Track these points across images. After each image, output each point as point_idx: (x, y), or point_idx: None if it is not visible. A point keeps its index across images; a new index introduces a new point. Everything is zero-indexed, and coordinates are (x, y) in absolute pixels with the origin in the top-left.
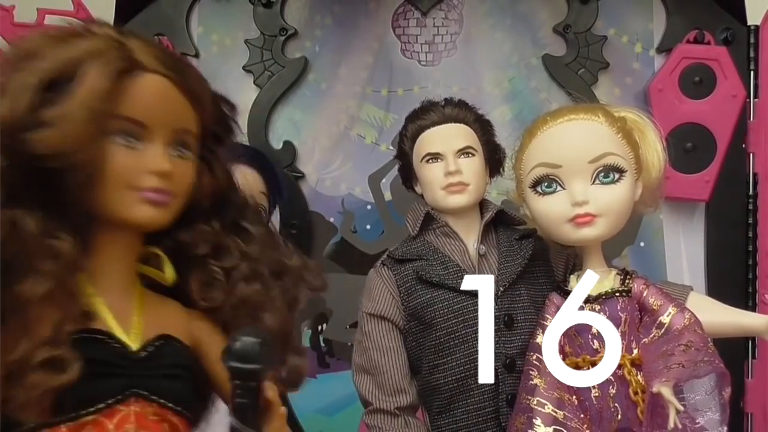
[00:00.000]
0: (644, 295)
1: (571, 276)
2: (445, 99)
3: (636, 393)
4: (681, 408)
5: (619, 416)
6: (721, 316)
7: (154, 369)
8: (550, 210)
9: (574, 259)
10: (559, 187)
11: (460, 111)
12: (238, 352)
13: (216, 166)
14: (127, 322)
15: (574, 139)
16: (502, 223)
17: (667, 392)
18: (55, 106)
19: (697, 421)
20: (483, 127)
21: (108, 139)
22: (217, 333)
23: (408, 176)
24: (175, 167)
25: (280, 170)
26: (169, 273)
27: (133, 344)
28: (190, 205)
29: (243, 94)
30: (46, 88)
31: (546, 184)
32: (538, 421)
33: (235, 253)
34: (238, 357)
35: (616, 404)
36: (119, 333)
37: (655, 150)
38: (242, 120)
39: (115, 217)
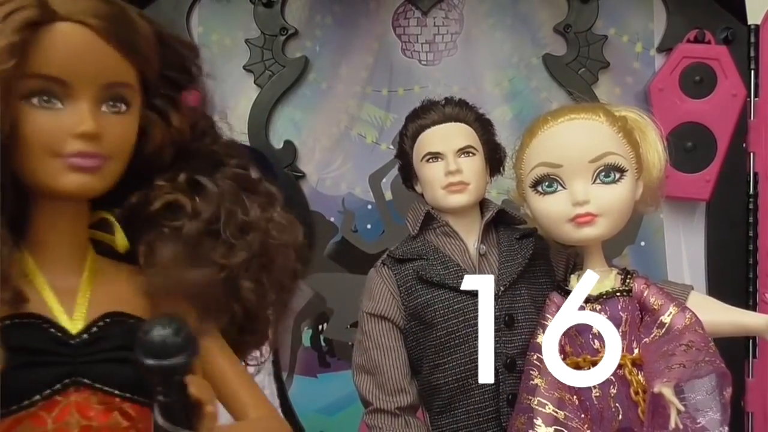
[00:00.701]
0: (645, 294)
1: (572, 276)
2: (446, 98)
3: (637, 393)
4: (682, 408)
5: (620, 416)
6: (721, 316)
7: (97, 353)
8: (551, 209)
9: (574, 259)
10: (559, 187)
11: (460, 110)
12: (153, 347)
13: (172, 115)
14: (72, 300)
15: (574, 139)
16: (503, 223)
17: (668, 392)
18: None
19: (698, 421)
20: (483, 127)
21: (22, 102)
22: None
23: (408, 176)
24: (106, 126)
25: (280, 170)
26: (119, 239)
27: (76, 326)
28: (146, 162)
29: (243, 94)
30: None
31: (547, 183)
32: (538, 421)
33: (186, 211)
34: (153, 352)
35: (617, 404)
36: (59, 314)
37: (655, 149)
38: (243, 120)
39: (42, 187)
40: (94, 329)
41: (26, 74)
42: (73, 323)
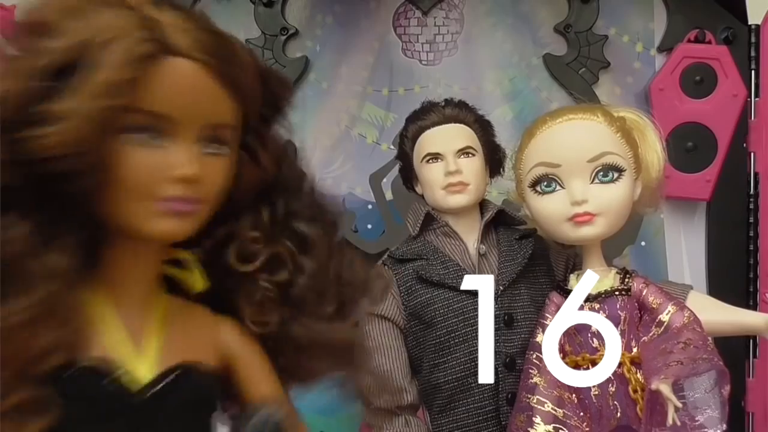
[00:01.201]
0: (644, 293)
1: (571, 275)
2: (446, 100)
3: (635, 391)
4: (679, 405)
5: (619, 414)
6: (721, 315)
7: (165, 408)
8: (550, 209)
9: (574, 259)
10: (558, 187)
11: (460, 111)
12: (256, 429)
13: (261, 154)
14: (142, 346)
15: (572, 139)
16: (503, 223)
17: (665, 389)
18: (64, 97)
19: (697, 418)
20: (483, 128)
21: (123, 138)
22: (250, 343)
23: (408, 176)
24: (205, 169)
25: None
26: (198, 281)
27: (146, 375)
28: (227, 203)
29: None
30: (55, 74)
31: (545, 183)
32: (537, 420)
33: (288, 265)
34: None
35: (615, 402)
36: (129, 362)
37: (654, 150)
38: None
39: (130, 229)
40: (164, 383)
41: (133, 108)
42: (144, 371)
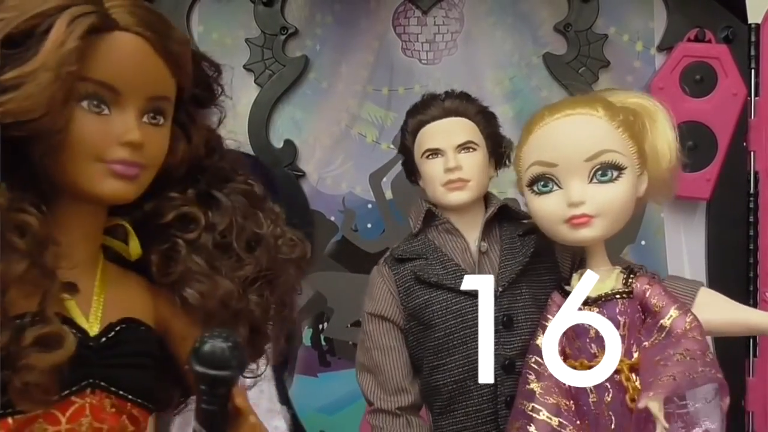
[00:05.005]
0: (647, 295)
1: (574, 274)
2: (446, 92)
3: (633, 400)
4: (666, 425)
5: (613, 425)
6: (729, 314)
7: (114, 357)
8: (546, 210)
9: (581, 255)
10: (555, 187)
11: (460, 104)
12: (206, 356)
13: (193, 132)
14: (88, 303)
15: (569, 137)
16: (507, 218)
17: (654, 407)
18: (17, 66)
19: (694, 431)
20: (486, 119)
21: (75, 105)
22: (183, 312)
23: (411, 170)
24: (147, 137)
25: (279, 170)
26: (133, 247)
27: (92, 328)
28: (161, 174)
29: (244, 93)
30: (8, 45)
31: (542, 183)
32: (532, 428)
33: (200, 223)
34: (205, 361)
35: (610, 412)
36: (77, 316)
37: (666, 139)
38: (243, 119)
39: (79, 189)
40: (112, 333)
41: (83, 77)
42: (90, 326)
